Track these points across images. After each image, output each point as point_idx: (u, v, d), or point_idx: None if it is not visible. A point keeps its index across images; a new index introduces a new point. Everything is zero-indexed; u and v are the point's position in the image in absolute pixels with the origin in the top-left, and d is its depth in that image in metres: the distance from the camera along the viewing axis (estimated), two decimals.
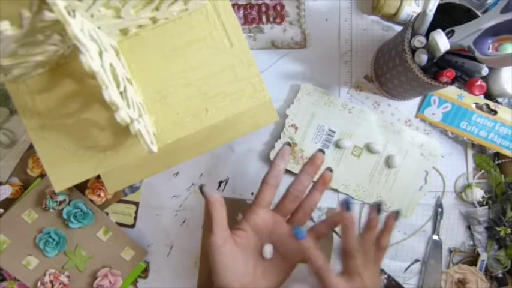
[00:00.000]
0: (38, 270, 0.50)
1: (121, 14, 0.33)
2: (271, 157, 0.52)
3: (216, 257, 0.36)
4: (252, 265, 0.37)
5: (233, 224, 0.51)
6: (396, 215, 0.39)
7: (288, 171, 0.53)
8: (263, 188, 0.40)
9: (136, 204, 0.53)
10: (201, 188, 0.38)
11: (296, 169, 0.52)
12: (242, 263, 0.37)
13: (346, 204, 0.37)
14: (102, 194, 0.50)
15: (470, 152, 0.55)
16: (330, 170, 0.41)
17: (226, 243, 0.37)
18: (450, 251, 0.54)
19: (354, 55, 0.55)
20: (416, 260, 0.54)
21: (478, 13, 0.41)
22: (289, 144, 0.42)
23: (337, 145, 0.53)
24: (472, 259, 0.54)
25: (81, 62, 0.26)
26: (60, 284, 0.49)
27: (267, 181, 0.40)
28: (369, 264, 0.36)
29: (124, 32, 0.38)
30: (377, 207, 0.38)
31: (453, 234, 0.54)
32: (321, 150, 0.41)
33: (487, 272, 0.53)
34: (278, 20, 0.54)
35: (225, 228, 0.38)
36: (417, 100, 0.55)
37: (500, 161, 0.54)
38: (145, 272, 0.53)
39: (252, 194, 0.53)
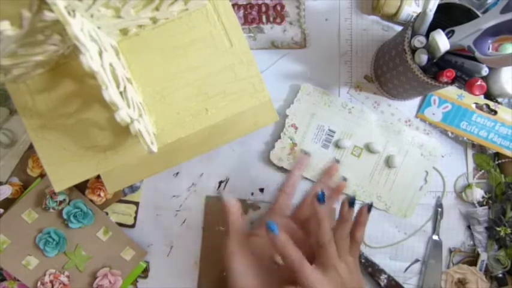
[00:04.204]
0: (38, 270, 0.50)
1: (121, 14, 0.33)
2: (271, 157, 0.52)
3: (232, 264, 0.36)
4: (266, 272, 0.37)
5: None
6: (368, 208, 0.38)
7: (287, 171, 0.53)
8: (280, 196, 0.40)
9: (136, 204, 0.53)
10: (219, 193, 0.39)
11: None
12: (257, 271, 0.37)
13: (350, 202, 0.37)
14: (102, 194, 0.50)
15: (470, 152, 0.55)
16: (344, 179, 0.41)
17: (242, 250, 0.37)
18: (450, 251, 0.54)
19: (354, 55, 0.55)
20: (416, 260, 0.54)
21: (478, 13, 0.41)
22: (305, 152, 0.42)
23: (337, 145, 0.53)
24: (472, 259, 0.54)
25: (81, 62, 0.27)
26: (60, 284, 0.49)
27: (284, 190, 0.40)
28: (343, 256, 0.36)
29: (124, 32, 0.38)
30: (348, 201, 0.38)
31: (453, 234, 0.54)
32: (337, 161, 0.42)
33: (487, 272, 0.53)
34: (278, 20, 0.54)
35: (241, 234, 0.38)
36: (417, 100, 0.55)
37: (500, 161, 0.54)
38: (145, 272, 0.53)
39: (252, 194, 0.53)
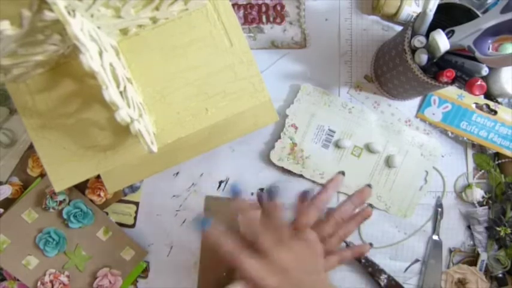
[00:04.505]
0: (38, 270, 0.50)
1: (121, 14, 0.33)
2: (271, 157, 0.52)
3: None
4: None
5: (231, 223, 0.51)
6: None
7: (287, 171, 0.53)
8: (310, 208, 0.38)
9: (136, 204, 0.53)
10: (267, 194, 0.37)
11: (296, 169, 0.52)
12: None
13: (269, 193, 0.35)
14: (102, 194, 0.50)
15: (470, 152, 0.55)
16: (371, 206, 0.41)
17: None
18: (450, 251, 0.54)
19: (354, 55, 0.55)
20: (416, 260, 0.54)
21: (478, 13, 0.41)
22: (343, 173, 0.41)
23: (337, 145, 0.53)
24: (472, 259, 0.54)
25: (81, 62, 0.27)
26: (60, 283, 0.49)
27: (316, 203, 0.37)
28: (282, 241, 0.34)
29: (124, 31, 0.38)
30: (269, 192, 0.35)
31: (453, 234, 0.54)
32: (369, 186, 0.41)
33: (487, 272, 0.53)
34: (278, 20, 0.54)
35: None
36: (417, 100, 0.55)
37: (500, 161, 0.54)
38: (145, 272, 0.53)
39: (252, 194, 0.53)
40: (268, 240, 0.34)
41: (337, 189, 0.40)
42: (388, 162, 0.53)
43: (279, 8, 0.54)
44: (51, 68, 0.38)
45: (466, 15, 0.41)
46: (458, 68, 0.41)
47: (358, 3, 0.55)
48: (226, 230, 0.34)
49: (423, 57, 0.41)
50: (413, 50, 0.42)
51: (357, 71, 0.55)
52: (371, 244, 0.45)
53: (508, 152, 0.52)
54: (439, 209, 0.54)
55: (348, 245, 0.52)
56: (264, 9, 0.54)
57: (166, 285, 0.53)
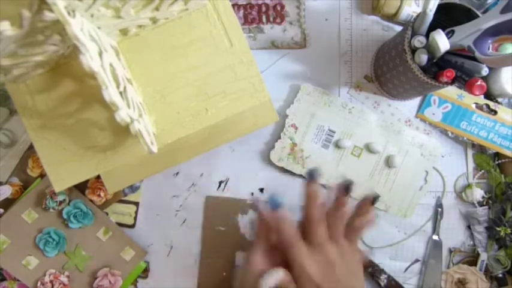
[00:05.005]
0: (38, 270, 0.50)
1: (121, 14, 0.33)
2: (271, 157, 0.52)
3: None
4: None
5: (231, 223, 0.51)
6: (373, 200, 0.37)
7: (287, 171, 0.53)
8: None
9: (136, 204, 0.53)
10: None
11: (296, 169, 0.52)
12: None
13: (310, 174, 0.36)
14: (102, 194, 0.50)
15: (470, 152, 0.55)
16: (377, 197, 0.40)
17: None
18: (450, 251, 0.54)
19: (354, 55, 0.55)
20: (416, 260, 0.54)
21: (478, 13, 0.41)
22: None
23: (337, 145, 0.53)
24: (472, 259, 0.54)
25: (81, 62, 0.27)
26: (60, 284, 0.49)
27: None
28: (336, 238, 0.35)
29: (124, 32, 0.38)
30: (345, 187, 0.36)
31: (453, 234, 0.54)
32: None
33: (487, 272, 0.53)
34: (278, 20, 0.54)
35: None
36: (417, 100, 0.55)
37: (500, 161, 0.54)
38: (145, 272, 0.53)
39: (252, 194, 0.53)
40: (323, 233, 0.35)
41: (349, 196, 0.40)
42: (388, 162, 0.53)
43: (279, 8, 0.54)
44: (51, 68, 0.38)
45: (466, 15, 0.41)
46: (458, 68, 0.41)
47: (358, 3, 0.55)
48: (288, 216, 0.35)
49: (423, 57, 0.41)
50: (413, 50, 0.42)
51: (357, 71, 0.55)
52: (370, 249, 0.45)
53: (508, 152, 0.52)
54: (439, 209, 0.54)
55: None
56: (264, 9, 0.54)
57: (166, 285, 0.53)
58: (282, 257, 0.35)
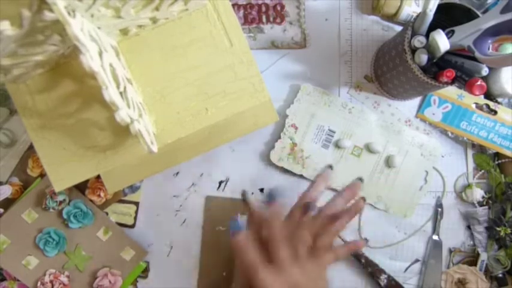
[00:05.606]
0: (38, 270, 0.50)
1: (121, 14, 0.33)
2: (271, 157, 0.52)
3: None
4: None
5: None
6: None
7: (287, 171, 0.53)
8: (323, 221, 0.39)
9: (136, 204, 0.53)
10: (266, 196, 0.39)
11: (296, 169, 0.52)
12: None
13: (270, 195, 0.37)
14: (102, 194, 0.50)
15: (470, 152, 0.55)
16: (364, 199, 0.42)
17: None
18: (450, 251, 0.54)
19: (354, 55, 0.55)
20: (416, 260, 0.54)
21: (478, 13, 0.41)
22: (331, 167, 0.43)
23: (337, 145, 0.53)
24: (472, 259, 0.54)
25: (81, 62, 0.27)
26: (60, 284, 0.49)
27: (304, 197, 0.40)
28: (299, 260, 0.35)
29: (124, 32, 0.38)
30: (305, 206, 0.38)
31: (453, 234, 0.54)
32: (360, 179, 0.42)
33: (487, 272, 0.53)
34: (278, 20, 0.54)
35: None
36: (417, 100, 0.55)
37: (500, 161, 0.54)
38: (145, 272, 0.53)
39: (252, 194, 0.53)
40: (286, 254, 0.35)
41: (326, 183, 0.41)
42: (388, 162, 0.53)
43: (279, 8, 0.54)
44: (51, 68, 0.38)
45: (466, 15, 0.41)
46: (458, 68, 0.41)
47: (358, 3, 0.55)
48: (251, 240, 0.36)
49: (423, 57, 0.41)
50: (413, 50, 0.42)
51: (357, 71, 0.55)
52: (366, 239, 0.45)
53: (508, 152, 0.52)
54: (439, 209, 0.54)
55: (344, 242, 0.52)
56: (264, 9, 0.54)
57: (166, 285, 0.53)
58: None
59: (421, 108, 0.54)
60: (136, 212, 0.53)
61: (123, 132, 0.39)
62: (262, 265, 0.34)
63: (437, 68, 0.43)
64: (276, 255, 0.34)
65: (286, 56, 0.54)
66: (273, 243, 0.35)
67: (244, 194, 0.43)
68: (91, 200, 0.51)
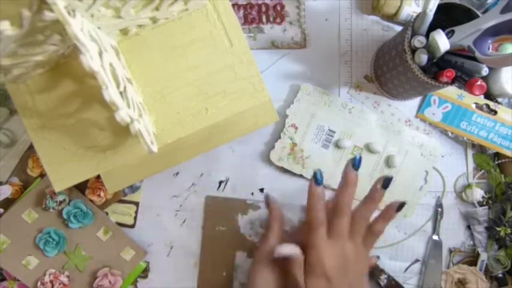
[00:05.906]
0: (38, 270, 0.50)
1: (121, 14, 0.33)
2: (271, 157, 0.52)
3: (256, 280, 0.38)
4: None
5: (231, 223, 0.51)
6: (399, 206, 0.38)
7: (287, 171, 0.53)
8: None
9: (136, 204, 0.53)
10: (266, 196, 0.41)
11: (296, 169, 0.52)
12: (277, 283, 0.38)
13: (354, 162, 0.37)
14: (102, 194, 0.50)
15: (470, 152, 0.55)
16: (403, 204, 0.40)
17: (269, 267, 0.38)
18: (450, 251, 0.54)
19: (354, 55, 0.55)
20: (416, 260, 0.54)
21: (478, 13, 0.41)
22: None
23: (337, 145, 0.53)
24: (472, 259, 0.54)
25: (81, 62, 0.27)
26: (60, 284, 0.49)
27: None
28: (354, 237, 0.36)
29: (124, 32, 0.38)
30: (383, 181, 0.37)
31: (453, 234, 0.54)
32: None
33: (487, 272, 0.53)
34: (278, 20, 0.54)
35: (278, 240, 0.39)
36: (417, 100, 0.55)
37: (500, 161, 0.54)
38: (145, 272, 0.53)
39: (252, 194, 0.53)
40: (346, 227, 0.35)
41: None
42: (388, 162, 0.53)
43: (279, 8, 0.54)
44: (51, 68, 0.38)
45: (466, 15, 0.41)
46: (458, 68, 0.41)
47: (358, 3, 0.55)
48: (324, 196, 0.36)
49: (423, 57, 0.41)
50: (413, 50, 0.42)
51: (357, 71, 0.55)
52: (378, 257, 0.46)
53: (508, 152, 0.52)
54: (439, 209, 0.54)
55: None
56: (264, 9, 0.54)
57: (166, 285, 0.53)
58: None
59: (421, 108, 0.54)
60: (136, 212, 0.53)
61: (123, 132, 0.39)
62: (325, 227, 0.34)
63: (437, 68, 0.43)
64: (337, 225, 0.35)
65: (286, 56, 0.54)
66: (338, 213, 0.35)
67: (267, 197, 0.44)
68: (91, 200, 0.51)
